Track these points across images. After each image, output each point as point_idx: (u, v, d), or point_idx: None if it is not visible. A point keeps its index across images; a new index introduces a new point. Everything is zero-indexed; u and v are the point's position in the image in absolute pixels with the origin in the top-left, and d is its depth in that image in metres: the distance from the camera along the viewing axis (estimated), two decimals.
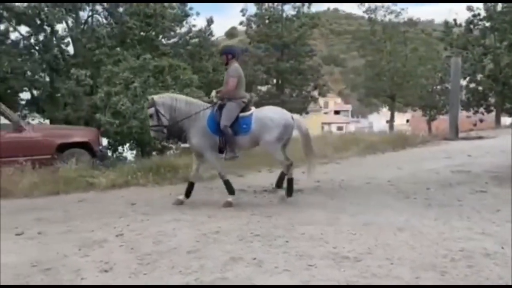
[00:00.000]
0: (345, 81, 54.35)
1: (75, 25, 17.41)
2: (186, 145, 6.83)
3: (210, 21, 19.66)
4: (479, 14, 23.24)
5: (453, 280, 3.01)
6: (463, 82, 22.64)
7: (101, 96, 10.24)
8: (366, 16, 28.54)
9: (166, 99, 5.73)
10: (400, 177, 7.41)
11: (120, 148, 14.19)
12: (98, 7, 17.59)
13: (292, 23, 21.63)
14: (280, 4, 21.86)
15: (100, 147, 8.80)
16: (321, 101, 32.77)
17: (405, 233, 4.11)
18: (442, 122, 28.64)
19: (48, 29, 17.01)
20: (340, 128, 52.34)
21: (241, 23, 22.96)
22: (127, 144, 13.50)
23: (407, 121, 48.45)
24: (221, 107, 5.68)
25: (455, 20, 24.44)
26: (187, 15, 18.42)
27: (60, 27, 17.55)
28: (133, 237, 4.12)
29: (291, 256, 3.46)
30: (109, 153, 13.07)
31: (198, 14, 18.95)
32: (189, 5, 18.67)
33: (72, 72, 14.78)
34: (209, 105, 5.82)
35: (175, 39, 18.64)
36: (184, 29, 19.01)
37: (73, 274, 3.17)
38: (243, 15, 22.46)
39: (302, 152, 6.01)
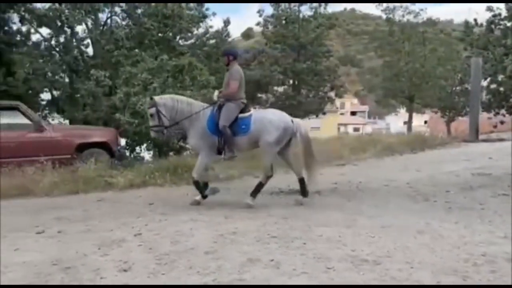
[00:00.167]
0: (361, 82, 53.89)
1: (94, 27, 17.68)
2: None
3: (227, 22, 19.73)
4: (499, 14, 22.73)
5: None
6: (484, 83, 22.20)
7: (120, 97, 10.37)
8: (384, 16, 28.28)
9: (167, 100, 5.79)
10: (419, 180, 7.31)
11: (137, 148, 14.35)
12: (117, 8, 17.84)
13: (309, 23, 21.54)
14: (297, 4, 21.81)
15: (118, 147, 8.91)
16: (338, 102, 32.51)
17: (425, 237, 4.05)
18: (461, 123, 28.14)
19: (68, 31, 17.29)
20: (356, 129, 52.01)
21: (258, 24, 22.97)
22: (145, 144, 13.64)
23: (425, 122, 47.81)
24: (220, 108, 5.72)
25: (475, 19, 23.96)
26: (204, 16, 18.52)
27: (80, 29, 17.88)
28: (151, 237, 4.15)
29: (309, 258, 3.44)
30: (127, 153, 13.22)
31: (214, 14, 19.01)
32: (206, 5, 18.79)
33: (92, 73, 15.01)
34: (207, 105, 5.88)
35: (192, 40, 18.76)
36: (201, 30, 19.15)
37: (93, 273, 3.20)
38: (260, 15, 22.49)
39: (302, 157, 5.84)
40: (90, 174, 7.16)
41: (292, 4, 21.90)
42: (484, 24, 23.23)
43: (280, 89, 22.45)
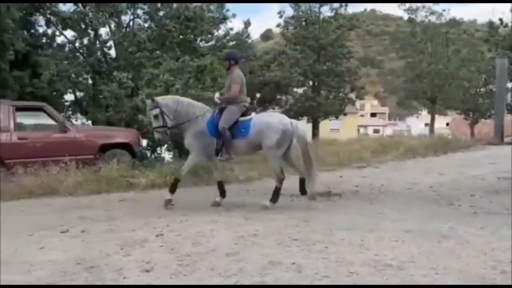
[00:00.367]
0: (382, 83, 53.24)
1: (117, 29, 17.96)
2: None
3: (247, 24, 19.76)
4: None
5: None
6: (509, 85, 21.65)
7: (142, 98, 10.46)
8: (406, 16, 27.85)
9: (169, 101, 5.84)
10: (442, 183, 7.18)
11: (158, 149, 14.50)
12: (139, 11, 18.08)
13: (330, 24, 21.39)
14: (318, 6, 21.68)
15: (140, 148, 9.01)
16: (357, 103, 32.20)
17: (450, 242, 3.96)
18: (485, 125, 27.55)
19: (92, 33, 17.61)
20: (376, 131, 51.44)
21: (278, 26, 22.92)
22: (165, 145, 13.77)
23: (447, 124, 46.97)
24: (221, 111, 5.74)
25: (501, 19, 23.42)
26: (224, 18, 18.60)
27: (103, 31, 18.19)
28: (173, 237, 4.17)
29: (331, 262, 3.40)
30: (148, 154, 13.38)
31: (234, 16, 19.05)
32: (226, 7, 18.86)
33: (114, 75, 15.25)
34: (208, 107, 5.92)
35: (212, 42, 18.86)
36: (221, 32, 19.25)
37: (116, 273, 3.23)
38: (281, 17, 22.43)
39: (301, 160, 5.76)
40: (113, 174, 7.27)
41: (313, 6, 21.77)
42: (510, 24, 22.67)
43: (300, 90, 22.32)
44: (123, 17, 18.16)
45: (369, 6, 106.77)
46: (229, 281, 3.05)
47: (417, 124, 52.04)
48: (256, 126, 5.62)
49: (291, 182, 6.99)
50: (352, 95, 23.12)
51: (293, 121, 5.84)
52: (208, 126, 5.71)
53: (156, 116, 5.72)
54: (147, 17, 18.26)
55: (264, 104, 21.31)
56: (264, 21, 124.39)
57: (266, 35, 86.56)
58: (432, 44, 26.71)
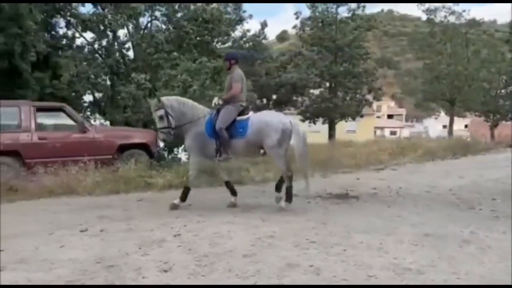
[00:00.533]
0: (399, 84, 52.64)
1: (135, 31, 18.18)
2: None
3: (264, 25, 19.77)
4: None
5: None
6: None
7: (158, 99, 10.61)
8: (424, 17, 27.46)
9: (173, 102, 5.84)
10: (462, 186, 7.06)
11: (175, 149, 14.61)
12: (157, 13, 18.27)
13: (347, 25, 21.23)
14: (335, 7, 21.54)
15: (157, 148, 9.07)
16: (374, 104, 31.84)
17: (471, 247, 3.89)
18: (505, 128, 26.97)
19: (111, 35, 17.88)
20: (393, 133, 50.87)
21: (294, 27, 22.85)
22: (182, 146, 13.87)
23: (466, 126, 46.19)
24: (219, 111, 5.73)
25: None
26: (241, 19, 18.65)
27: (122, 33, 18.43)
28: (190, 238, 4.19)
29: (350, 265, 3.37)
30: (165, 154, 13.48)
31: (251, 17, 19.09)
32: (243, 8, 18.90)
33: (132, 76, 15.43)
34: (209, 110, 5.90)
35: (229, 43, 18.93)
36: (237, 33, 19.30)
37: (135, 272, 3.26)
38: (297, 18, 22.35)
39: (297, 161, 5.60)
40: (131, 174, 7.35)
41: (330, 6, 21.64)
42: None
43: (316, 91, 22.19)
44: (141, 19, 18.40)
45: (386, 7, 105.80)
46: (246, 283, 3.05)
47: (435, 126, 51.33)
48: (254, 125, 5.58)
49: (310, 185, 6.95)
50: (369, 97, 22.89)
51: (293, 120, 5.78)
52: (206, 127, 5.72)
53: (161, 117, 5.72)
54: (165, 19, 18.42)
55: (280, 105, 21.27)
56: (280, 22, 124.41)
57: (282, 37, 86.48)
58: (452, 45, 26.26)
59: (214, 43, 18.14)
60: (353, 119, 22.91)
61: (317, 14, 21.62)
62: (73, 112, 8.41)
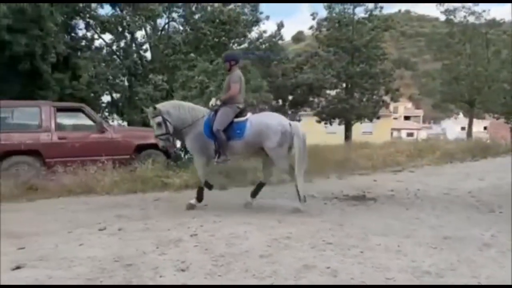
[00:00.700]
0: (416, 85, 51.96)
1: (153, 32, 18.38)
2: None
3: (280, 26, 19.73)
4: None
5: None
6: None
7: None
8: (443, 17, 27.07)
9: (169, 108, 5.82)
10: (482, 189, 6.93)
11: None
12: (174, 14, 18.44)
13: (364, 26, 21.06)
14: (352, 7, 21.40)
15: (174, 149, 9.13)
16: (391, 106, 31.47)
17: (492, 250, 3.81)
18: None
19: (129, 36, 18.12)
20: (410, 134, 50.24)
21: (311, 28, 22.75)
22: None
23: (485, 128, 45.35)
24: (216, 112, 5.71)
25: None
26: (257, 21, 18.68)
27: (139, 34, 18.65)
28: (207, 238, 4.21)
29: (367, 267, 3.34)
30: (182, 155, 13.55)
31: (268, 18, 19.09)
32: (260, 8, 18.93)
33: (150, 77, 15.61)
34: (208, 110, 5.88)
35: (245, 45, 18.96)
36: (254, 34, 19.32)
37: (152, 271, 3.29)
38: (313, 18, 22.26)
39: (296, 162, 5.52)
40: (148, 174, 7.42)
41: (346, 7, 21.50)
42: None
43: (333, 92, 22.05)
44: (158, 21, 18.59)
45: (403, 7, 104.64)
46: (263, 283, 3.05)
47: (452, 127, 50.55)
48: (254, 127, 5.57)
49: (323, 186, 6.95)
50: (386, 98, 22.63)
51: (293, 122, 5.74)
52: (204, 128, 5.72)
53: (159, 124, 5.72)
54: (182, 20, 18.57)
55: (296, 106, 21.19)
56: (296, 23, 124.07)
57: (298, 37, 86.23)
58: (471, 45, 25.83)
59: (231, 44, 18.19)
60: (370, 120, 22.67)
61: (334, 14, 21.49)
62: (91, 113, 8.54)
